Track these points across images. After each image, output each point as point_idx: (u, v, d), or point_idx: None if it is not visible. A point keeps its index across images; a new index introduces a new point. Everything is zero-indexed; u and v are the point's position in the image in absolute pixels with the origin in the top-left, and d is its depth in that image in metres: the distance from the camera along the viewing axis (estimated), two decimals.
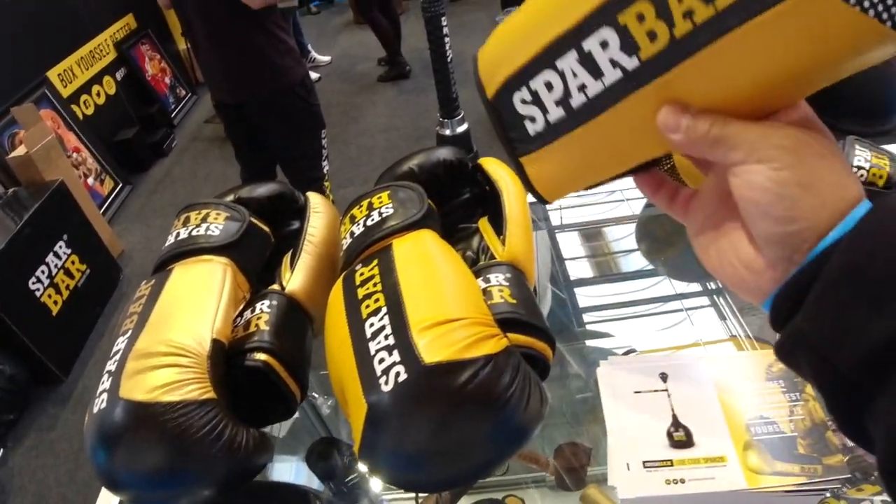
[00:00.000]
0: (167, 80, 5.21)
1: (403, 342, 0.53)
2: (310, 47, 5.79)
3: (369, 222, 0.67)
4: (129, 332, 0.62)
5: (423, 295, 0.56)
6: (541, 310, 0.77)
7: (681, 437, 0.63)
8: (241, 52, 2.24)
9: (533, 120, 0.43)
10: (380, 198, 0.70)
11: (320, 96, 2.60)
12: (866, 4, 0.29)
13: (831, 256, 0.33)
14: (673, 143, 0.37)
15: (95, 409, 0.57)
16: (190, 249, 0.70)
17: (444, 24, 1.98)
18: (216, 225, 0.72)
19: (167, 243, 0.73)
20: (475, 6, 6.82)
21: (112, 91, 4.54)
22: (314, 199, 0.84)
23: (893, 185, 0.88)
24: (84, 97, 4.21)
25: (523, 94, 0.42)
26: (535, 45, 0.40)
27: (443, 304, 0.55)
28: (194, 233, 0.72)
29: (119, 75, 4.67)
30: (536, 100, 0.41)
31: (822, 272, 0.33)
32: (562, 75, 0.39)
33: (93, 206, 3.43)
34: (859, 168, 0.87)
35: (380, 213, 0.68)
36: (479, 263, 0.70)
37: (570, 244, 1.22)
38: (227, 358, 0.63)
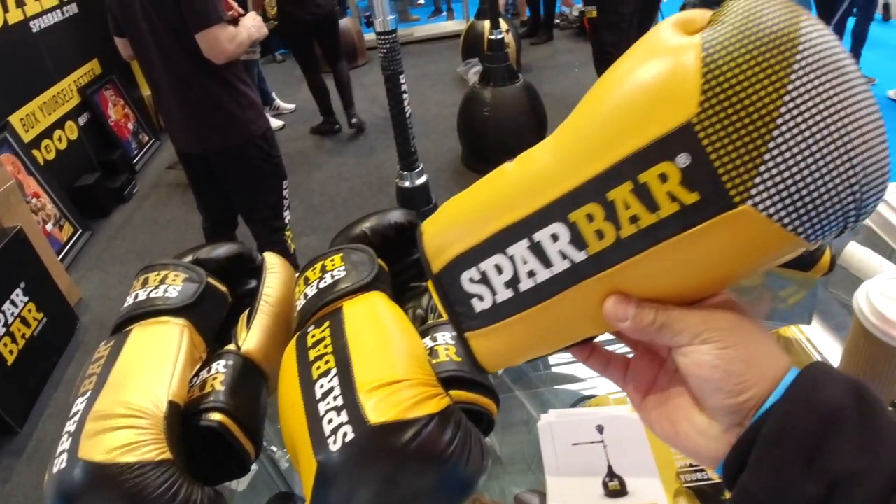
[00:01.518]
0: (130, 126, 5.22)
1: (351, 403, 0.56)
2: (274, 95, 5.84)
3: (322, 284, 0.71)
4: (88, 393, 0.64)
5: (371, 357, 0.60)
6: None
7: (615, 486, 0.67)
8: (202, 104, 2.27)
9: (481, 298, 0.45)
10: (332, 260, 0.74)
11: (284, 144, 2.64)
12: (785, 220, 0.34)
13: (767, 420, 0.38)
14: (620, 329, 0.42)
15: (55, 469, 0.59)
16: (148, 311, 0.73)
17: (403, 81, 2.05)
18: (174, 287, 0.75)
19: (126, 304, 0.75)
20: (437, 57, 6.98)
21: (74, 136, 4.53)
22: (270, 259, 0.88)
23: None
24: (45, 142, 4.20)
25: (472, 273, 0.45)
26: (488, 229, 0.43)
27: (389, 365, 0.59)
28: (152, 294, 0.74)
29: (82, 120, 4.67)
30: (485, 280, 0.44)
31: (759, 435, 0.38)
32: (512, 260, 0.43)
33: (51, 253, 3.40)
34: None
35: (332, 276, 0.71)
36: (427, 322, 0.74)
37: None
38: (183, 418, 0.66)
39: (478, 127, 4.10)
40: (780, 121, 0.33)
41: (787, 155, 0.33)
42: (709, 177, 0.35)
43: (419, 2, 9.28)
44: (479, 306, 0.46)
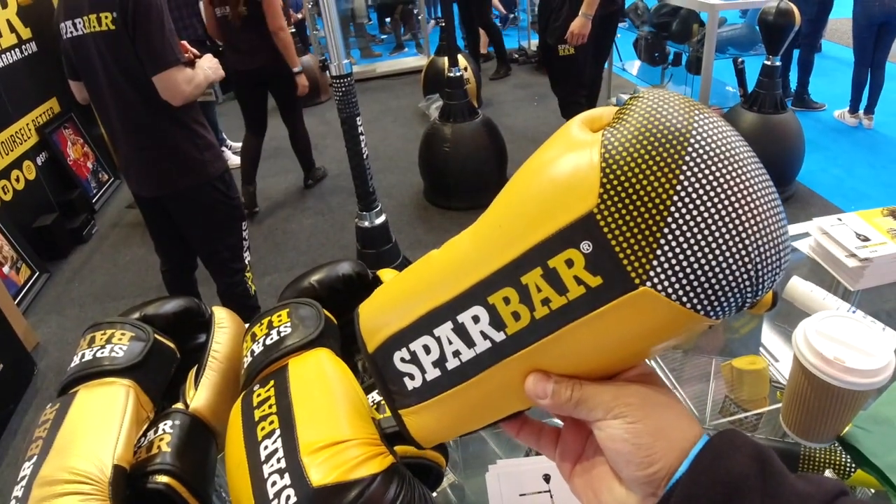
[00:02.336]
0: (89, 165, 5.17)
1: (294, 465, 0.56)
2: (224, 135, 5.68)
3: (268, 341, 0.71)
4: (35, 457, 0.64)
5: (315, 417, 0.61)
6: None
7: None
8: (159, 147, 2.27)
9: (412, 377, 0.48)
10: (279, 316, 0.74)
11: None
12: (683, 299, 0.37)
13: (674, 492, 0.40)
14: (541, 406, 0.44)
15: None
16: (94, 372, 0.72)
17: (360, 123, 2.07)
18: (121, 346, 0.75)
19: (72, 364, 0.75)
20: (399, 92, 7.05)
21: (32, 176, 4.47)
22: (219, 313, 0.88)
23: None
24: (3, 182, 4.13)
25: (403, 353, 0.48)
26: (416, 311, 0.46)
27: (332, 425, 0.60)
28: (98, 354, 0.74)
29: (40, 160, 4.62)
30: (415, 360, 0.47)
31: None
32: (438, 341, 0.45)
33: (7, 297, 3.33)
34: None
35: (279, 332, 0.72)
36: None
37: None
38: (130, 480, 0.65)
39: (439, 162, 4.15)
40: (673, 209, 0.36)
41: (682, 240, 0.36)
42: (611, 261, 0.37)
43: (380, 38, 9.38)
44: (410, 384, 0.48)
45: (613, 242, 0.37)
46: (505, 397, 0.46)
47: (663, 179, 0.36)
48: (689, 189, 0.36)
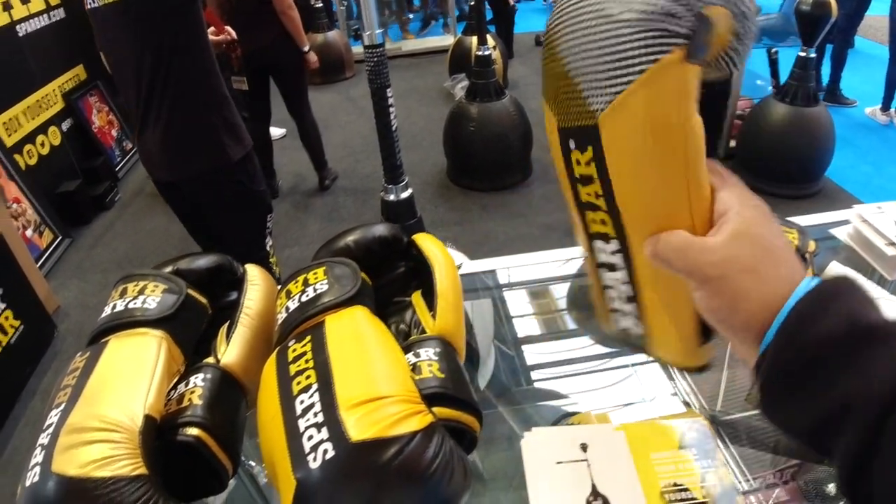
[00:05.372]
0: (114, 133, 5.18)
1: (332, 420, 0.55)
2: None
3: (304, 298, 0.70)
4: (63, 405, 0.63)
5: (352, 373, 0.59)
6: (475, 379, 0.79)
7: None
8: (176, 123, 2.19)
9: None
10: (315, 273, 0.73)
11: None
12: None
13: (765, 356, 0.42)
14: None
15: (27, 483, 0.58)
16: (126, 322, 0.71)
17: (390, 94, 2.04)
18: (153, 297, 0.74)
19: (103, 314, 0.74)
20: (425, 71, 7.01)
21: (57, 142, 4.50)
22: (252, 271, 0.86)
23: (801, 257, 0.94)
24: (28, 147, 4.16)
25: None
26: None
27: (371, 381, 0.58)
28: (131, 305, 0.73)
29: (65, 126, 4.64)
30: None
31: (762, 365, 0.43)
32: None
33: (30, 260, 3.36)
34: None
35: (314, 290, 0.70)
36: (410, 337, 0.73)
37: (519, 303, 1.26)
38: (159, 432, 0.64)
39: (464, 142, 4.12)
40: None
41: None
42: None
43: (408, 17, 9.31)
44: None
45: None
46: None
47: None
48: None
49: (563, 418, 0.88)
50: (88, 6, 2.08)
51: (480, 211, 3.88)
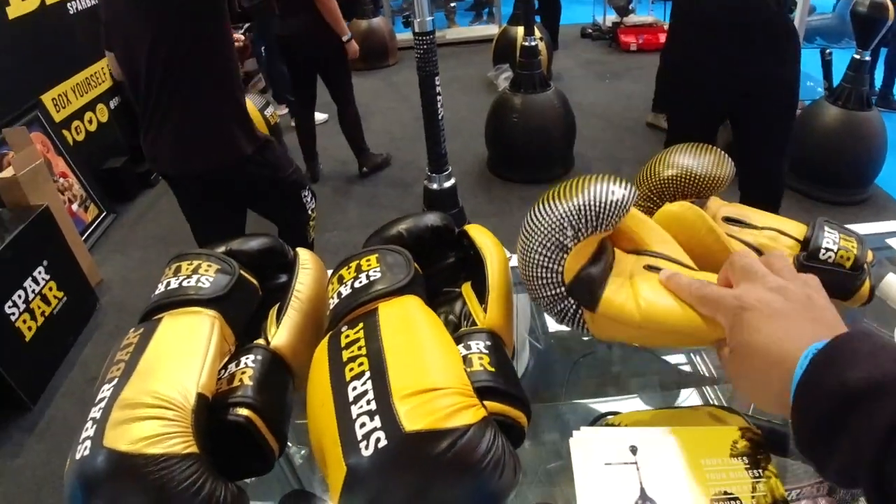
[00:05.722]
0: None
1: (385, 408, 0.55)
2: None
3: (357, 284, 0.69)
4: (116, 380, 0.63)
5: (406, 362, 0.58)
6: (519, 368, 0.78)
7: None
8: (204, 120, 2.16)
9: None
10: (368, 260, 0.72)
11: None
12: None
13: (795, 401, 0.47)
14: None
15: (78, 455, 0.58)
16: (179, 300, 0.72)
17: (438, 83, 2.03)
18: (207, 277, 0.74)
19: (157, 291, 0.74)
20: (468, 60, 6.98)
21: (105, 119, 4.57)
22: (303, 255, 0.86)
23: (860, 267, 0.91)
24: (76, 123, 4.24)
25: None
26: None
27: (425, 372, 0.58)
28: (185, 283, 0.73)
29: (113, 103, 4.71)
30: None
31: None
32: None
33: (75, 233, 3.43)
34: (827, 250, 0.90)
35: (367, 276, 0.70)
36: (460, 329, 0.73)
37: None
38: (209, 411, 0.64)
39: (506, 133, 4.09)
40: None
41: None
42: None
43: (452, 5, 9.24)
44: None
45: None
46: None
47: None
48: None
49: (599, 419, 0.87)
50: None
51: (519, 202, 3.86)
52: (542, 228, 0.69)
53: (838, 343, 0.46)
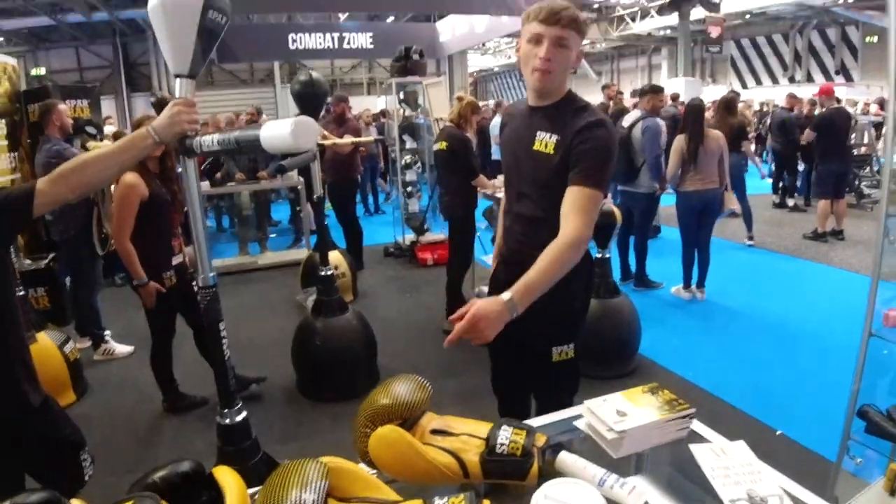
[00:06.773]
0: None
1: None
2: (107, 334, 5.25)
3: None
4: None
5: None
6: None
7: None
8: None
9: None
10: None
11: None
12: None
13: None
14: None
15: None
16: None
17: (223, 328, 2.20)
18: None
19: None
20: (281, 284, 7.27)
21: None
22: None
23: (528, 452, 1.20)
24: None
25: None
26: None
27: None
28: None
29: None
30: None
31: None
32: None
33: None
34: (501, 444, 1.19)
35: None
36: None
37: None
38: None
39: (310, 356, 4.31)
40: None
41: None
42: None
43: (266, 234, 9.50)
44: None
45: None
46: None
47: None
48: None
49: None
50: None
51: (331, 423, 3.92)
52: None
53: None
